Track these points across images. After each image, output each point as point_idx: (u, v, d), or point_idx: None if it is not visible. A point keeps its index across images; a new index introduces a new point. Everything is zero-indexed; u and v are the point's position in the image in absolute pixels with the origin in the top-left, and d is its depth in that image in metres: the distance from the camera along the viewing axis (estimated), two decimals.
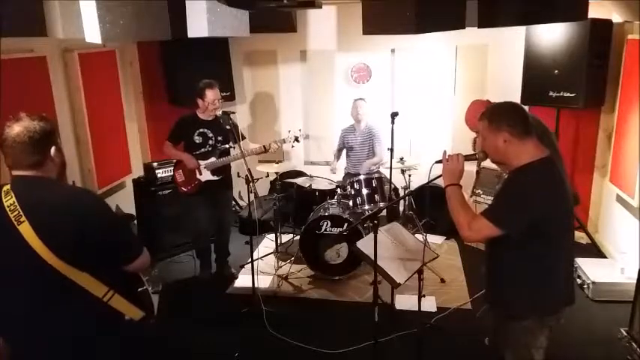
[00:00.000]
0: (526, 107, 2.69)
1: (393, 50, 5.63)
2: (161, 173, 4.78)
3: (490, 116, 2.17)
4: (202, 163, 4.18)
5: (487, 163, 4.64)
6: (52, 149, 1.84)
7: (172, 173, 4.42)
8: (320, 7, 3.08)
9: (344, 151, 5.34)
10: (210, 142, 4.20)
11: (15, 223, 1.71)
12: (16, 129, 1.77)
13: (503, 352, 2.35)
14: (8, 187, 1.79)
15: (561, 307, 2.24)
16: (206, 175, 4.21)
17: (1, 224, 1.72)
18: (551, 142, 2.55)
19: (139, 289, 2.04)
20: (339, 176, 5.31)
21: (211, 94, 4.08)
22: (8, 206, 1.73)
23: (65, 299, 1.79)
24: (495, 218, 2.09)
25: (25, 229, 1.70)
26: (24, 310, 1.80)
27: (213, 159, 4.21)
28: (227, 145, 4.26)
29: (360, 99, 5.13)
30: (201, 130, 4.17)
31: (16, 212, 1.72)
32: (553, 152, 2.22)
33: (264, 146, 4.25)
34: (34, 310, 1.79)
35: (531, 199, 2.07)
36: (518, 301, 2.21)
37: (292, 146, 4.55)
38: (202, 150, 4.20)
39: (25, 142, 1.76)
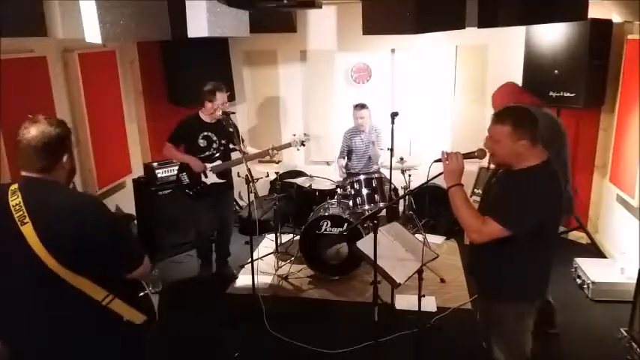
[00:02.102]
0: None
1: (393, 50, 5.62)
2: (161, 173, 4.78)
3: (515, 123, 2.18)
4: (208, 166, 4.17)
5: (487, 163, 4.64)
6: (65, 156, 1.84)
7: (175, 174, 4.42)
8: (320, 7, 3.08)
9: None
10: (215, 145, 4.18)
11: (18, 223, 1.71)
12: (33, 132, 1.76)
13: (490, 340, 2.46)
14: (16, 186, 1.79)
15: (545, 290, 2.44)
16: (212, 178, 4.20)
17: (5, 223, 1.72)
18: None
19: (140, 294, 2.04)
20: (339, 176, 5.30)
21: (221, 97, 4.05)
22: (14, 206, 1.73)
23: (63, 301, 1.79)
24: (507, 221, 2.14)
25: (28, 230, 1.70)
26: (22, 310, 1.80)
27: (219, 162, 4.20)
28: (231, 146, 4.25)
29: (360, 105, 4.99)
30: (205, 133, 4.14)
31: (21, 212, 1.72)
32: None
33: (266, 151, 4.22)
34: (32, 311, 1.79)
35: (541, 201, 2.15)
36: (513, 287, 2.30)
37: (297, 149, 4.55)
38: (207, 153, 4.17)
39: (38, 147, 1.76)
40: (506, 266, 2.28)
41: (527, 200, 2.14)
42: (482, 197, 2.60)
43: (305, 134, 4.52)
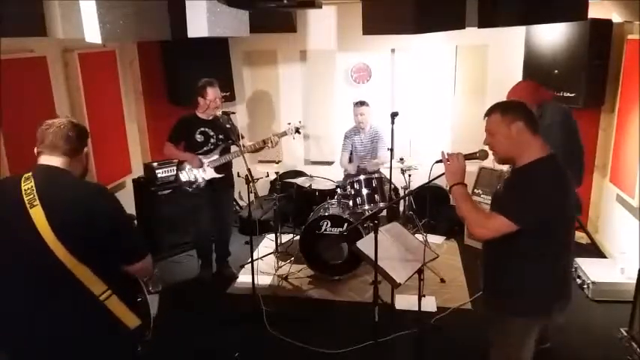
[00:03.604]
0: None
1: (393, 50, 5.62)
2: (161, 173, 4.78)
3: (503, 109, 2.20)
4: (205, 160, 4.18)
5: (487, 163, 4.64)
6: (85, 149, 1.98)
7: (175, 173, 4.42)
8: (320, 7, 3.07)
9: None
10: (212, 140, 4.20)
11: (27, 205, 1.75)
12: (63, 120, 1.93)
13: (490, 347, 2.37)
14: (30, 174, 1.85)
15: (556, 307, 2.24)
16: (210, 173, 4.20)
17: (14, 206, 1.76)
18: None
19: (138, 299, 2.05)
20: (339, 176, 5.31)
21: (212, 93, 4.06)
22: (25, 190, 1.79)
23: (63, 292, 1.80)
24: (514, 216, 2.09)
25: (36, 213, 1.74)
26: (23, 299, 1.81)
27: (215, 156, 4.21)
28: (229, 142, 4.25)
29: (360, 102, 5.01)
30: (202, 129, 4.16)
31: (31, 196, 1.77)
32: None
33: (263, 140, 4.24)
34: (33, 299, 1.80)
35: (549, 195, 2.10)
36: (519, 299, 2.22)
37: (293, 138, 4.54)
38: (204, 148, 4.19)
39: (69, 131, 1.90)
40: (516, 279, 2.20)
41: (532, 192, 2.10)
42: (492, 203, 2.50)
43: (299, 122, 4.50)
